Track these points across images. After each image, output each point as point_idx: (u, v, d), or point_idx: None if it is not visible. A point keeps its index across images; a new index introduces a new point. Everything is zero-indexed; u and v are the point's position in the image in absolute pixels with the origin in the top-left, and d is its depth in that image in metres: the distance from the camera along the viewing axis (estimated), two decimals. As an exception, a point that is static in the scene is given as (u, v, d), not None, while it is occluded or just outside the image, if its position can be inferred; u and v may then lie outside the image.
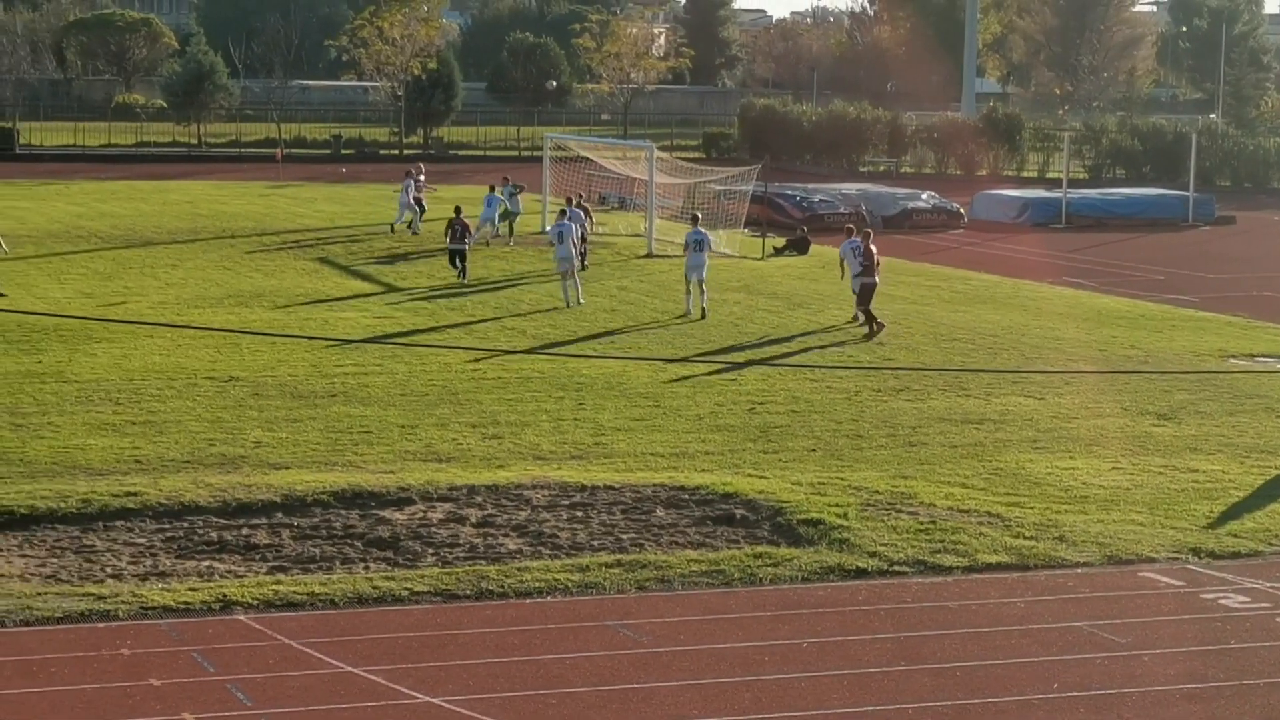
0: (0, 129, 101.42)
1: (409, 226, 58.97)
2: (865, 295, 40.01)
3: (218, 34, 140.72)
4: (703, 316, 41.53)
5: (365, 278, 48.35)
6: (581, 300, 43.36)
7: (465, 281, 46.97)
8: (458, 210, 48.38)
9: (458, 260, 47.82)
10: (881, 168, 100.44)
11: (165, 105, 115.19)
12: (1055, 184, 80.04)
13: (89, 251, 52.65)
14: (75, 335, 36.83)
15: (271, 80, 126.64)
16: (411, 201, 59.43)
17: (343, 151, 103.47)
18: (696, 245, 42.33)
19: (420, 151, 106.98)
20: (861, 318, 40.06)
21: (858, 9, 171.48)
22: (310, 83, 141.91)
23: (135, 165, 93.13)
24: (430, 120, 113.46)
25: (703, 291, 42.28)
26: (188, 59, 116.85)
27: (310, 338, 36.22)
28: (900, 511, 24.01)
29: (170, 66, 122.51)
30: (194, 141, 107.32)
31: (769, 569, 21.37)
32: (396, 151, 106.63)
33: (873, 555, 21.95)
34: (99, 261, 50.19)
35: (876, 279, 40.47)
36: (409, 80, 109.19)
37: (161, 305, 42.33)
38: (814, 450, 28.09)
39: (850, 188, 74.13)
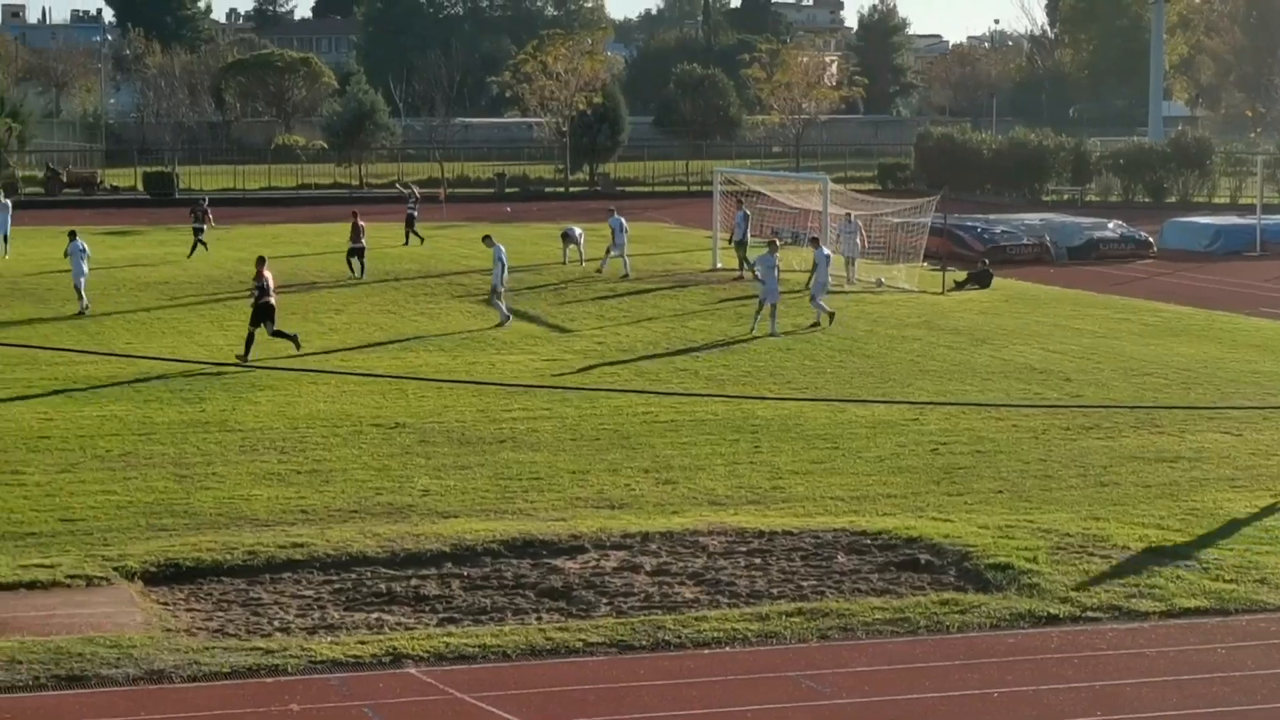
0: (160, 173, 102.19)
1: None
2: (261, 315, 40.51)
3: (378, 72, 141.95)
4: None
5: (533, 319, 47.91)
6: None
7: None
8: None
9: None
10: (1065, 196, 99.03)
11: (326, 146, 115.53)
12: (1248, 210, 78.51)
13: (251, 298, 52.30)
14: (239, 383, 36.80)
15: (433, 118, 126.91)
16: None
17: (507, 190, 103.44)
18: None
19: (587, 188, 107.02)
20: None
21: (1037, 32, 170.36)
22: (473, 120, 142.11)
23: (296, 208, 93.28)
24: (596, 156, 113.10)
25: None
26: (348, 98, 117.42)
27: (478, 383, 35.89)
28: (1092, 554, 23.32)
29: (330, 106, 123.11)
30: (355, 183, 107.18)
31: (956, 616, 20.83)
32: (562, 189, 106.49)
33: (1064, 601, 21.35)
34: (262, 307, 50.20)
35: (272, 300, 40.80)
36: (574, 115, 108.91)
37: (326, 351, 42.31)
38: (1000, 492, 27.38)
39: (1033, 218, 73.02)
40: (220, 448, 30.43)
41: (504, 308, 46.20)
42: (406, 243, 68.81)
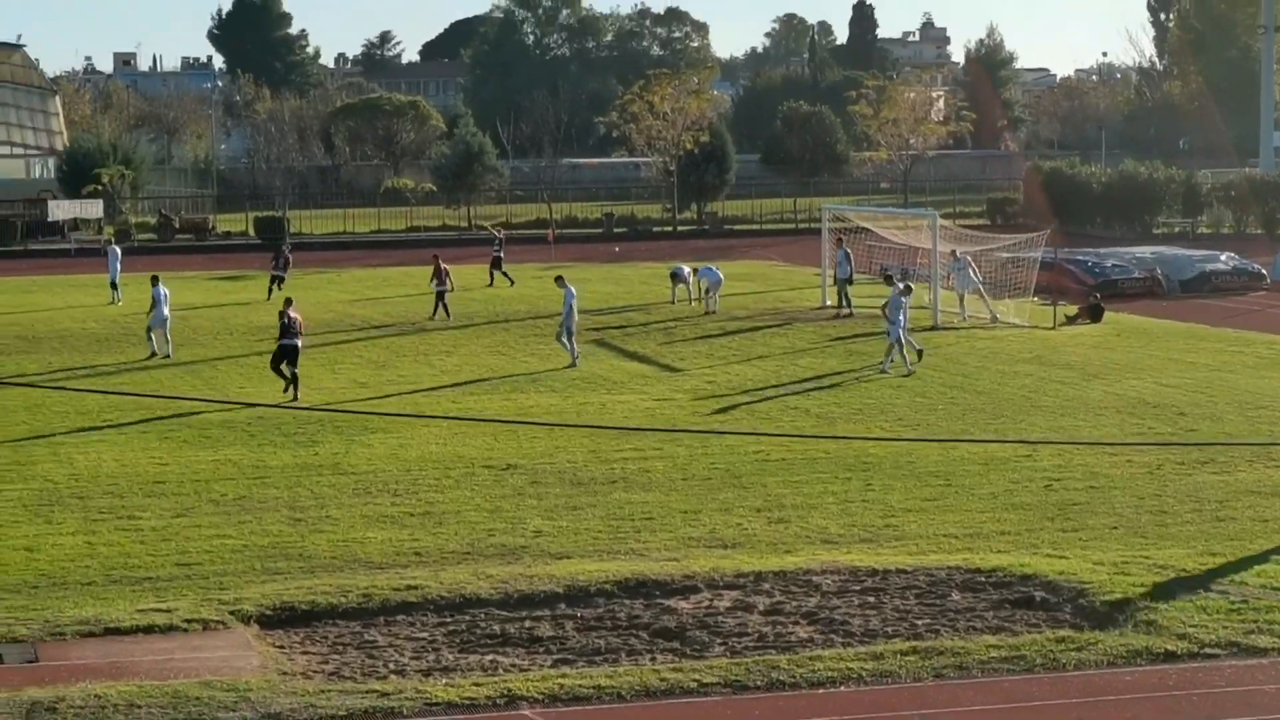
0: (270, 218, 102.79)
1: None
2: (283, 355, 41.53)
3: (485, 114, 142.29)
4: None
5: (643, 359, 47.96)
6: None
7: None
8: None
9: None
10: (1176, 229, 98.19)
11: (434, 189, 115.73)
12: (1364, 240, 77.47)
13: (362, 340, 52.84)
14: (351, 426, 36.99)
15: (541, 159, 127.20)
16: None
17: (615, 230, 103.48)
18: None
19: (694, 227, 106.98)
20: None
21: (1145, 64, 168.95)
22: (580, 160, 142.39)
23: (406, 250, 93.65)
24: (704, 195, 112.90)
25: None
26: (456, 141, 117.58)
27: (589, 426, 35.94)
28: (1210, 590, 22.97)
29: (439, 149, 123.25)
30: (464, 224, 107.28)
31: (1072, 653, 20.72)
32: (670, 228, 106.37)
33: (1182, 637, 21.18)
34: (373, 350, 50.39)
35: (297, 342, 41.76)
36: (681, 154, 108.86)
37: (436, 387, 42.46)
38: (1115, 528, 27.18)
39: (1144, 251, 72.45)
40: (334, 491, 30.63)
41: (574, 348, 46.49)
42: (511, 283, 69.10)
